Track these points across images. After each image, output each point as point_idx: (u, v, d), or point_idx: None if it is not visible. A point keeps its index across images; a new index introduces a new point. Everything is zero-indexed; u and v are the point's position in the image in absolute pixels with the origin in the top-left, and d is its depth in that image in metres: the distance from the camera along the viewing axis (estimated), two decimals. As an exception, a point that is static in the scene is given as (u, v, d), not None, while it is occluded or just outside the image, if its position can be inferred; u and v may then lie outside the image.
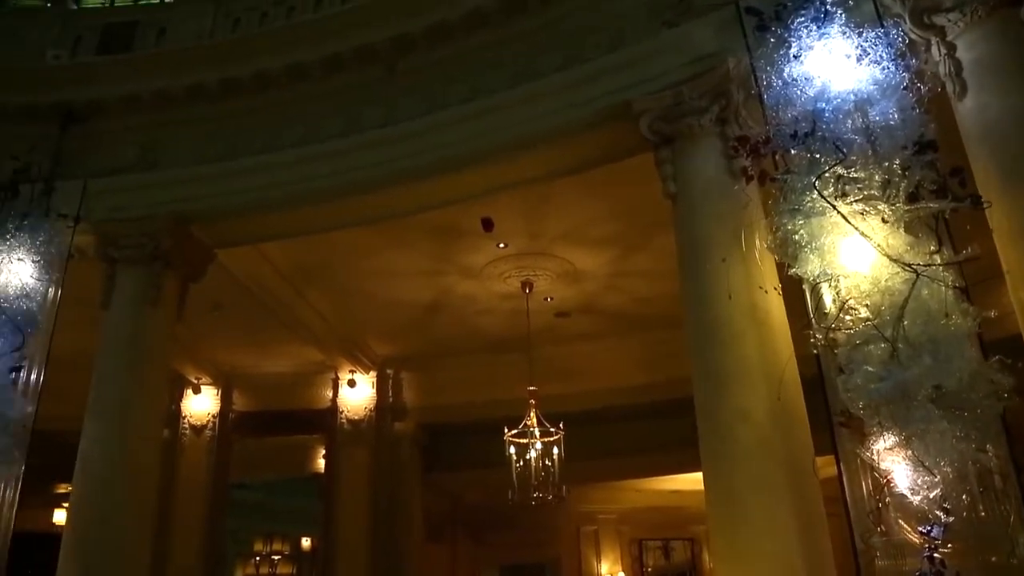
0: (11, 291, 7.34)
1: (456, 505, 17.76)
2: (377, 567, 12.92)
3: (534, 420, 10.37)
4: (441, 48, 8.02)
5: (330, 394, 13.61)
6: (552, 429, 10.39)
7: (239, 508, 16.32)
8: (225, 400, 13.56)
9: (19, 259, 7.46)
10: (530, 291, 10.88)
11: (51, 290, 7.60)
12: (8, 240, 7.48)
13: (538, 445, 10.39)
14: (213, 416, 13.49)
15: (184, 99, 8.58)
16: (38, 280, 7.48)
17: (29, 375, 7.40)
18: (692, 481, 15.69)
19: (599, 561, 18.87)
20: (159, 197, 8.24)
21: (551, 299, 11.49)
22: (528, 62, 7.71)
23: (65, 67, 8.82)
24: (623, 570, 18.93)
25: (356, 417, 13.56)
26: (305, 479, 18.06)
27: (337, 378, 13.54)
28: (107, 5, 10.42)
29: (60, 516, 16.49)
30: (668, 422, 12.71)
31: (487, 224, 9.36)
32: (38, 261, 7.50)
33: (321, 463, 15.96)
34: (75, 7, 10.36)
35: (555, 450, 10.39)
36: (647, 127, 6.62)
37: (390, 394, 13.76)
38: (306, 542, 20.85)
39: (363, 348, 13.15)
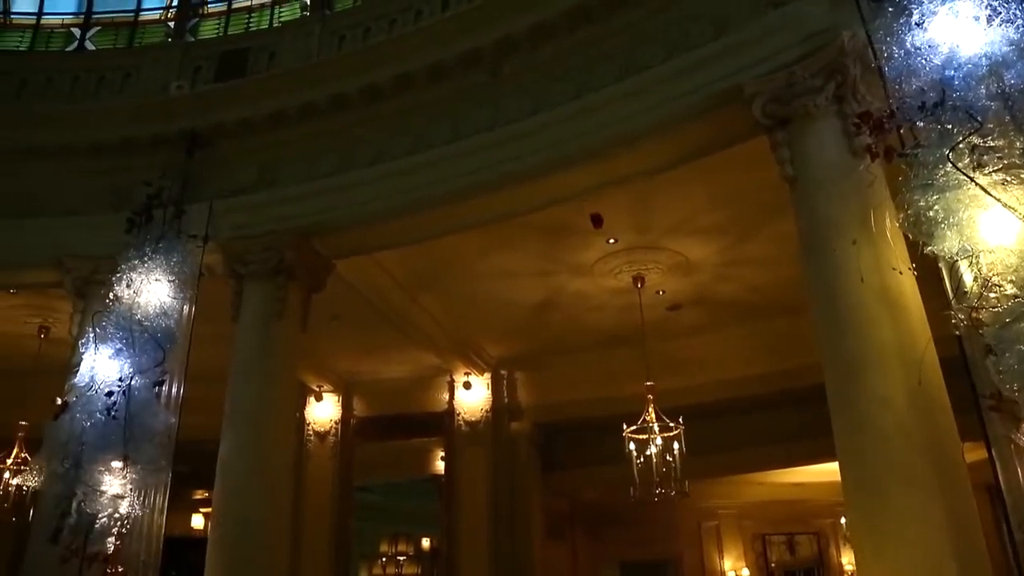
0: (151, 310, 7.82)
1: (574, 503, 17.74)
2: (499, 565, 13.05)
3: (653, 415, 10.23)
4: (544, 47, 8.05)
5: (446, 397, 13.84)
6: (672, 424, 10.23)
7: (362, 510, 16.81)
8: (346, 406, 14.00)
9: (156, 279, 7.94)
10: (642, 285, 10.76)
11: (186, 307, 8.05)
12: (146, 262, 7.97)
13: (658, 441, 10.24)
14: (335, 422, 13.94)
15: (296, 118, 8.92)
16: (174, 298, 7.94)
17: (170, 388, 7.88)
18: (816, 473, 15.21)
19: (722, 557, 18.47)
20: (279, 213, 8.60)
21: (663, 292, 11.34)
22: (632, 55, 7.65)
23: (187, 96, 9.32)
24: (747, 566, 18.46)
25: (473, 418, 13.74)
26: (424, 481, 18.43)
27: (453, 381, 13.76)
28: (221, 35, 10.93)
29: (197, 520, 17.45)
30: (789, 413, 12.38)
31: (596, 220, 9.32)
32: (173, 280, 7.96)
33: (439, 465, 16.26)
34: (192, 39, 10.95)
35: (676, 445, 10.22)
36: (760, 110, 6.44)
37: (505, 394, 13.88)
38: (425, 542, 21.28)
39: (477, 350, 13.32)
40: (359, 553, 19.12)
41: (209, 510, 17.28)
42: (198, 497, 17.47)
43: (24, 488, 11.24)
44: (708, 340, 12.66)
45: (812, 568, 18.80)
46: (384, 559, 19.29)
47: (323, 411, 13.89)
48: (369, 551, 20.24)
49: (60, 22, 11.68)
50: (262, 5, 11.23)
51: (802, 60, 6.34)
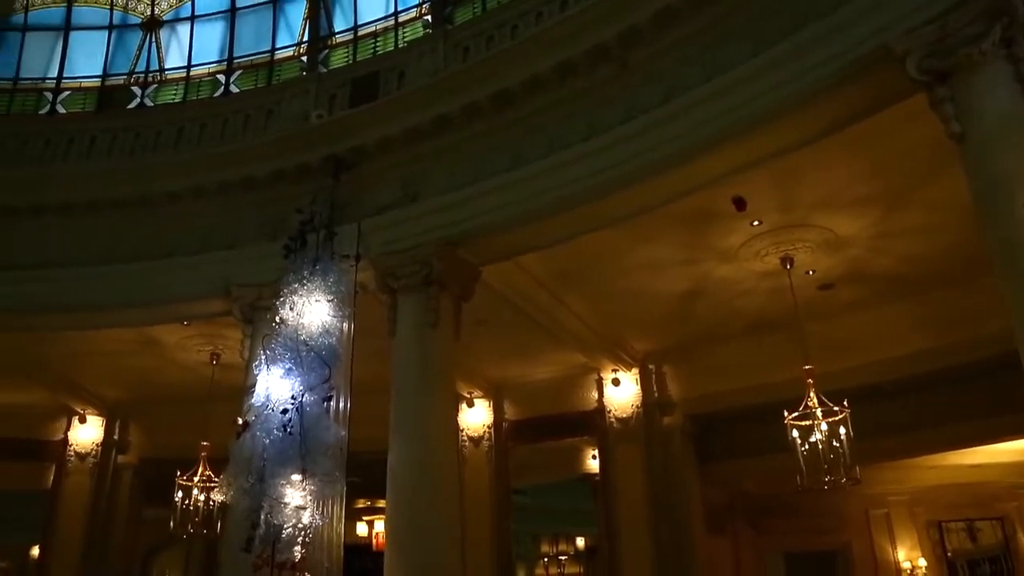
0: (314, 330, 8.19)
1: (734, 495, 17.24)
2: (661, 561, 12.87)
3: (815, 400, 9.80)
4: (669, 32, 7.92)
5: (595, 395, 13.78)
6: (836, 408, 9.77)
7: (517, 512, 16.99)
8: (497, 410, 14.20)
9: (316, 300, 8.31)
10: (791, 266, 10.34)
11: (345, 325, 8.41)
12: (305, 284, 8.36)
13: (823, 426, 9.80)
14: (488, 427, 14.16)
15: (432, 132, 9.16)
16: (334, 317, 8.28)
17: (338, 402, 8.24)
18: (997, 453, 14.15)
19: (894, 547, 17.43)
20: (424, 226, 8.85)
21: (813, 272, 10.85)
22: (762, 29, 7.40)
23: (327, 124, 9.76)
24: (923, 556, 17.34)
25: (624, 415, 13.62)
26: (575, 481, 18.45)
27: (601, 379, 13.69)
28: (351, 63, 11.38)
29: (362, 528, 18.15)
30: (963, 389, 11.57)
31: (739, 203, 9.05)
32: (332, 300, 8.30)
33: (591, 464, 16.24)
34: (324, 70, 11.46)
35: (842, 430, 9.75)
36: (916, 68, 6.05)
37: (655, 388, 13.67)
38: (580, 541, 21.25)
39: (624, 346, 13.21)
40: (520, 554, 19.35)
41: (372, 518, 18.10)
42: (360, 506, 18.20)
43: (211, 503, 12.13)
44: (866, 318, 12.01)
45: (998, 556, 17.39)
46: (546, 559, 19.45)
47: (475, 417, 14.15)
48: (527, 552, 20.46)
49: (207, 71, 12.53)
50: (386, 29, 11.61)
51: (957, 8, 5.93)
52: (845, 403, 9.85)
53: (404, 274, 8.70)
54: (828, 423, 9.84)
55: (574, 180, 8.25)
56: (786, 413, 10.00)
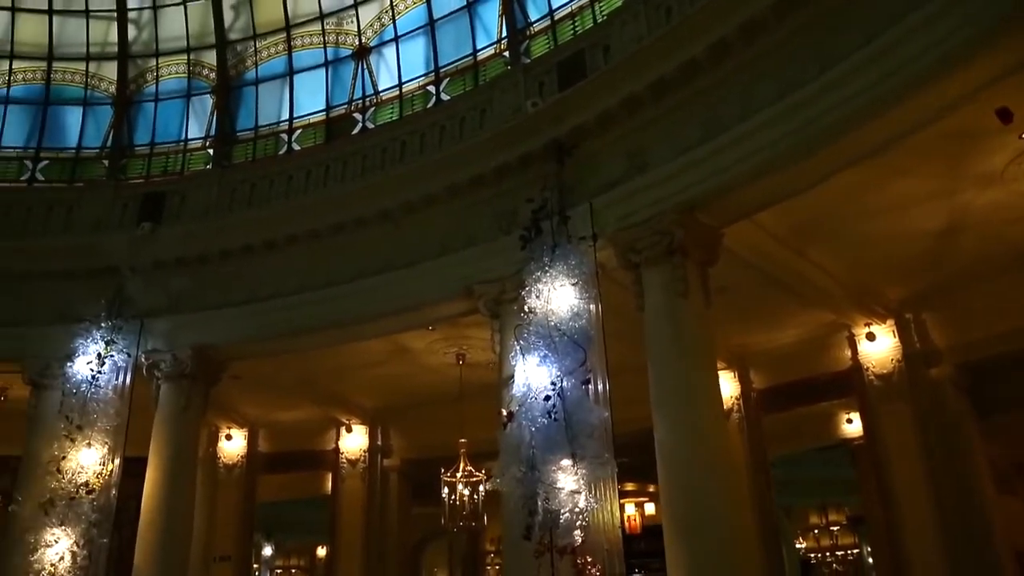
0: (564, 314, 8.24)
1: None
2: (947, 529, 11.71)
3: None
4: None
5: (849, 353, 12.83)
6: None
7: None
8: (743, 380, 13.64)
9: (561, 285, 8.36)
10: (1071, 179, 9.05)
11: (592, 306, 8.37)
12: (548, 271, 8.44)
13: None
14: (736, 398, 13.63)
15: (651, 98, 8.92)
16: (580, 299, 8.30)
17: (595, 384, 8.21)
18: None
19: None
20: (658, 195, 8.63)
21: (1098, 184, 9.43)
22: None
23: (543, 110, 9.80)
24: None
25: (883, 371, 12.56)
26: (826, 448, 17.38)
27: (853, 335, 12.72)
28: (553, 47, 11.39)
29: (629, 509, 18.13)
30: None
31: (1004, 115, 7.97)
32: (576, 283, 8.33)
33: (845, 428, 15.24)
34: (527, 60, 11.55)
35: None
36: None
37: (916, 339, 12.47)
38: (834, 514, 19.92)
39: (875, 296, 12.20)
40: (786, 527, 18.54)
41: (632, 501, 18.08)
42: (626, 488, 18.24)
43: (475, 497, 12.62)
44: None
45: None
46: (816, 531, 18.53)
47: (722, 389, 13.65)
48: (782, 527, 19.57)
49: (417, 85, 13.11)
50: (581, 8, 11.49)
51: None
52: None
53: (645, 246, 8.52)
54: None
55: (812, 120, 7.71)
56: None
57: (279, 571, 23.91)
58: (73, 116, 15.37)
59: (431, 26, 13.18)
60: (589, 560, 7.68)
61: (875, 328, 12.59)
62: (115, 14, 15.22)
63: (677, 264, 8.36)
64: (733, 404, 13.64)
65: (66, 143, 15.16)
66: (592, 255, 8.52)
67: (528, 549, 7.74)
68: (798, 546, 20.10)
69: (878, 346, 12.67)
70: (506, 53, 12.20)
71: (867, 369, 12.72)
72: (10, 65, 15.38)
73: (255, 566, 19.25)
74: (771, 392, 13.86)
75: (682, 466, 7.89)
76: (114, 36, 15.33)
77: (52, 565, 10.55)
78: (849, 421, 14.90)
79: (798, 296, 11.40)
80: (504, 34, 12.28)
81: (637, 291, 8.64)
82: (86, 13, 15.36)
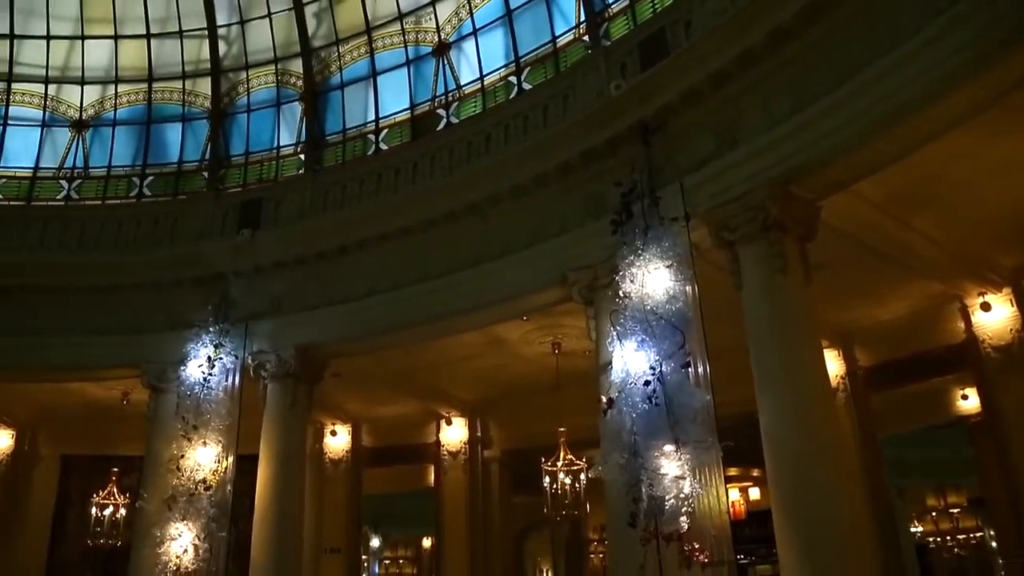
0: (660, 297, 8.13)
1: None
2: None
3: None
4: None
5: (962, 325, 12.18)
6: None
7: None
8: (848, 358, 13.16)
9: (656, 268, 8.25)
10: None
11: (688, 288, 8.22)
12: (641, 254, 8.33)
13: None
14: (841, 377, 13.17)
15: (738, 70, 8.69)
16: (675, 281, 8.17)
17: (696, 367, 8.05)
18: None
19: None
20: (750, 170, 8.39)
21: None
22: None
23: (627, 92, 9.67)
24: None
25: (1002, 343, 11.83)
26: (937, 428, 16.53)
27: (965, 306, 12.05)
28: (632, 28, 11.21)
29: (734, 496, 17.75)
30: None
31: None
32: (670, 265, 8.20)
33: (962, 404, 14.48)
34: (608, 43, 11.40)
35: None
36: None
37: (1039, 306, 11.79)
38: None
39: (988, 264, 11.52)
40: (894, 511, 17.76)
41: (736, 486, 17.71)
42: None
43: (577, 485, 12.61)
44: None
45: None
46: (934, 513, 17.72)
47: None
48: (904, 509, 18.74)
49: (498, 77, 13.14)
50: (659, -17, 11.25)
51: None
52: None
53: (740, 223, 8.30)
54: None
55: (910, 81, 7.30)
56: None
57: (387, 562, 24.46)
58: (173, 132, 16.09)
59: (508, 16, 13.16)
60: (696, 547, 7.56)
61: (990, 297, 11.93)
62: (206, 32, 15.79)
63: (774, 240, 8.10)
64: (839, 383, 13.17)
65: (168, 158, 15.90)
66: (685, 235, 8.37)
67: (633, 537, 7.68)
68: (913, 530, 19.30)
69: (994, 316, 12.00)
70: (585, 37, 12.06)
71: (983, 341, 12.06)
72: (115, 90, 16.29)
73: (363, 557, 19.73)
74: (879, 369, 13.32)
75: (789, 449, 7.67)
76: (206, 53, 15.92)
77: (177, 557, 11.15)
78: (964, 397, 14.10)
79: (903, 267, 10.90)
80: (582, 18, 12.15)
81: (733, 270, 8.43)
82: (179, 34, 16.00)
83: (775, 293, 8.11)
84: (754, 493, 18.54)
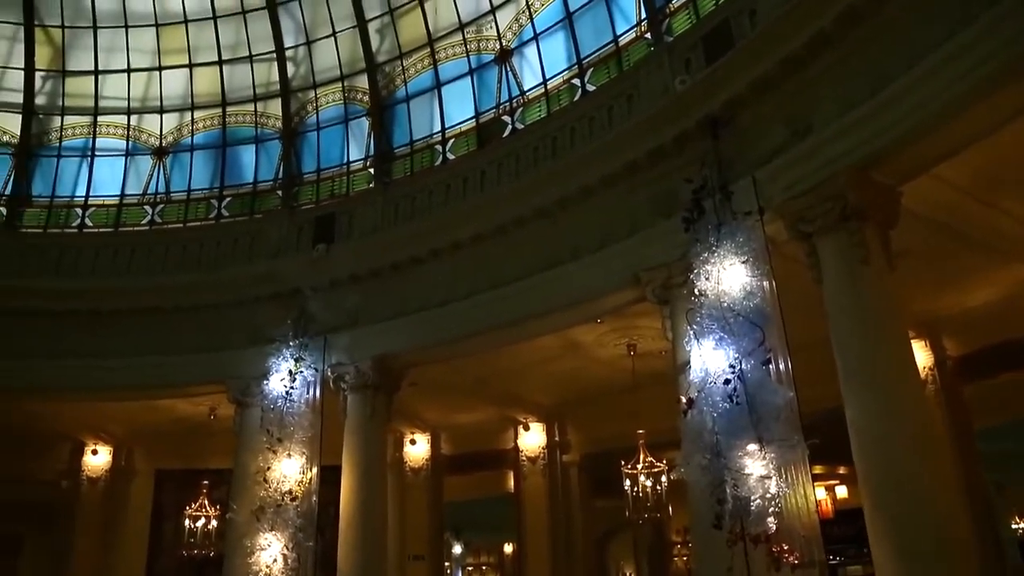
0: (736, 294, 7.98)
1: None
2: None
3: None
4: None
5: (1058, 308, 11.60)
6: None
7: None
8: (936, 348, 12.67)
9: (731, 264, 8.09)
10: None
11: (765, 283, 8.04)
12: (715, 251, 8.19)
13: None
14: (930, 368, 12.68)
15: (807, 58, 8.44)
16: (752, 277, 8.00)
17: (777, 363, 7.88)
18: None
19: None
20: (826, 158, 8.10)
21: None
22: None
23: (692, 87, 9.52)
24: None
25: (1099, 324, 11.28)
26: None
27: (1061, 288, 11.50)
28: (695, 22, 11.04)
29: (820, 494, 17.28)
30: None
31: None
32: (746, 260, 8.03)
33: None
34: (671, 39, 11.26)
35: None
36: None
37: None
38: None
39: (1088, 243, 10.96)
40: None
41: (822, 484, 17.21)
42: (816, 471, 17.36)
43: (659, 488, 12.46)
44: None
45: None
46: (1041, 509, 16.93)
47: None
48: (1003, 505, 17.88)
49: (561, 80, 13.13)
50: (722, -23, 11.03)
51: None
52: None
53: (817, 214, 8.04)
54: None
55: (997, 51, 6.83)
56: None
57: (470, 568, 24.65)
58: (248, 154, 16.60)
59: (569, 19, 13.12)
60: (785, 548, 7.37)
61: (1089, 278, 11.31)
62: (274, 54, 16.23)
63: (854, 229, 7.82)
64: (927, 375, 12.67)
65: (244, 179, 16.42)
66: (760, 230, 8.19)
67: (719, 539, 7.55)
68: (1014, 526, 18.41)
69: (1095, 298, 11.38)
70: (648, 35, 11.92)
71: (1081, 324, 11.47)
72: (192, 116, 16.93)
73: (446, 564, 19.92)
74: (969, 359, 12.82)
75: (879, 445, 7.40)
76: (275, 75, 16.36)
77: (267, 567, 11.45)
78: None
79: (991, 251, 10.44)
80: (643, 15, 12.01)
81: (812, 263, 8.19)
82: (250, 58, 16.49)
83: (857, 284, 7.83)
84: (841, 491, 18.04)
